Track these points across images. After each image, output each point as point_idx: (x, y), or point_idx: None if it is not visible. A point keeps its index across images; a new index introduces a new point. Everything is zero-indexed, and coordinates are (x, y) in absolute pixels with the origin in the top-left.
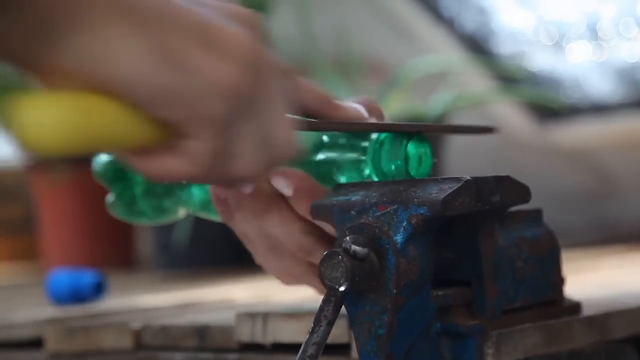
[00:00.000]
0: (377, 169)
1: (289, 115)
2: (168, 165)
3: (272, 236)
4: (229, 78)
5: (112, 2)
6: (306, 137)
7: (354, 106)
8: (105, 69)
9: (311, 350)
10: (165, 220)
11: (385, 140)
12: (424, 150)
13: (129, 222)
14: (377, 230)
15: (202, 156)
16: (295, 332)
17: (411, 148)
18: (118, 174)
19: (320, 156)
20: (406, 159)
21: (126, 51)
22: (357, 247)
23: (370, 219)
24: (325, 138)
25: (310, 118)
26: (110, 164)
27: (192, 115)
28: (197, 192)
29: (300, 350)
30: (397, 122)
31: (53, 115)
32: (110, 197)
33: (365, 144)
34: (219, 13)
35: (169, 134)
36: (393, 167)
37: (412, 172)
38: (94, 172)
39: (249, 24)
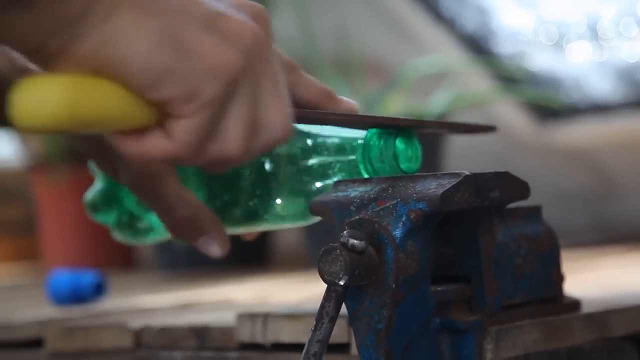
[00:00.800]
0: (367, 166)
1: (286, 102)
2: (157, 145)
3: None
4: (228, 60)
5: None
6: (296, 141)
7: (350, 101)
8: (109, 51)
9: (315, 348)
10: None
11: (373, 137)
12: (413, 145)
13: (138, 243)
14: (376, 225)
15: (189, 135)
16: (296, 332)
17: (400, 143)
18: (109, 199)
19: (312, 160)
20: (395, 154)
21: (133, 35)
22: (355, 241)
23: (369, 214)
24: (311, 141)
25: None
26: (99, 192)
27: (186, 94)
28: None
29: (304, 349)
30: (395, 117)
31: (46, 94)
32: (112, 227)
33: (355, 143)
34: (229, 3)
35: (159, 115)
36: (383, 163)
37: (402, 167)
38: (87, 208)
39: (258, 16)
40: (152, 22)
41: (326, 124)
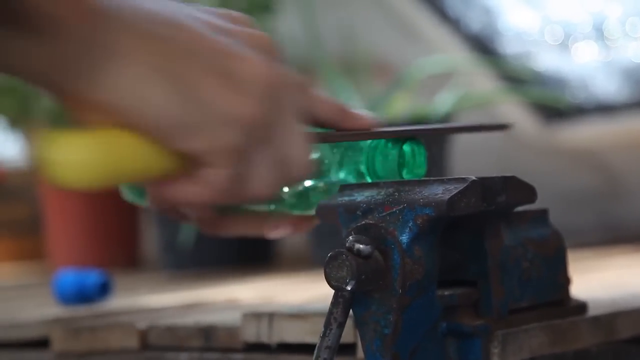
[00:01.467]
0: (371, 171)
1: (303, 132)
2: (188, 192)
3: None
4: (243, 109)
5: (143, 37)
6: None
7: (364, 114)
8: (129, 105)
9: (324, 355)
10: None
11: (379, 143)
12: (419, 152)
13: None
14: (382, 231)
15: (220, 183)
16: (301, 333)
17: (406, 150)
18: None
19: (316, 154)
20: (400, 161)
21: (150, 88)
22: (361, 246)
23: (375, 219)
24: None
25: (326, 129)
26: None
27: (210, 146)
28: None
29: (314, 356)
30: (411, 128)
31: (80, 155)
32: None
33: (361, 144)
34: (238, 40)
35: (188, 164)
36: (387, 170)
37: (406, 175)
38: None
39: (266, 48)
40: (161, 68)
41: (345, 141)
